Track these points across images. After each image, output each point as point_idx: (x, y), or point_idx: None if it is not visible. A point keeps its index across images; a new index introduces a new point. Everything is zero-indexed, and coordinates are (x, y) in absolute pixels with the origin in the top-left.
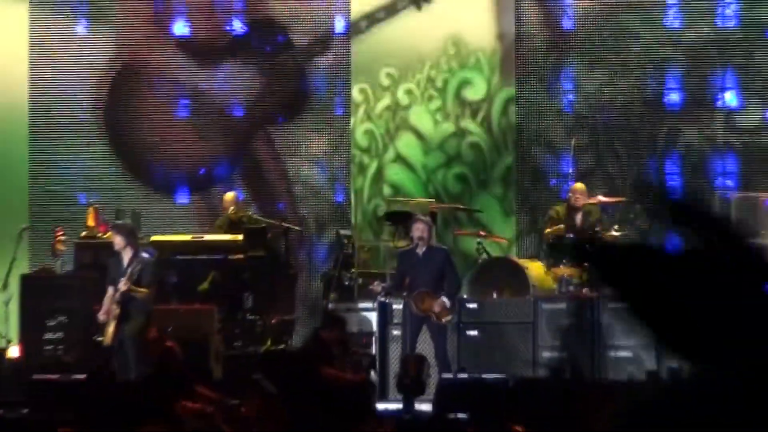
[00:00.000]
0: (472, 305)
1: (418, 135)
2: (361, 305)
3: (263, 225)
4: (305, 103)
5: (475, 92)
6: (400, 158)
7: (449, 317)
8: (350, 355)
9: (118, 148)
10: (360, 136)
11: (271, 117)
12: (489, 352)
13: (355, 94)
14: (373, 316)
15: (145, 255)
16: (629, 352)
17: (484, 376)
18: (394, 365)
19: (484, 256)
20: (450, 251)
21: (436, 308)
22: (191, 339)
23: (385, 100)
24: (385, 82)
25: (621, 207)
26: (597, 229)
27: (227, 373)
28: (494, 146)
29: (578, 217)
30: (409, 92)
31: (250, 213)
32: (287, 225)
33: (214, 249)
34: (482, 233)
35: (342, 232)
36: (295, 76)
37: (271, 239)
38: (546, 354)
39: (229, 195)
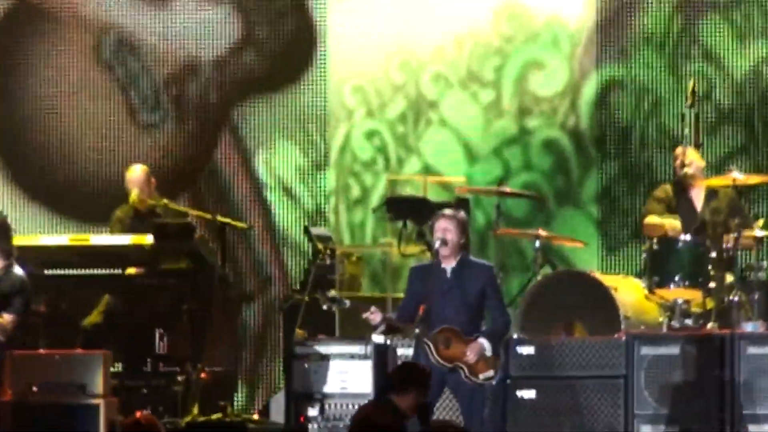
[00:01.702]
0: (527, 350)
1: (458, 137)
2: (346, 348)
3: (187, 219)
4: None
5: (548, 81)
6: (428, 170)
7: (490, 374)
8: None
9: None
10: (359, 143)
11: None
12: (554, 425)
13: (347, 96)
14: (365, 367)
15: (18, 271)
16: None
17: None
18: None
19: (546, 269)
20: (496, 269)
21: (470, 357)
22: (70, 402)
23: (399, 101)
24: (396, 76)
25: None
26: (731, 222)
27: None
28: (581, 150)
29: (696, 200)
30: (438, 78)
31: (165, 201)
32: (225, 220)
33: (107, 258)
34: (543, 232)
35: (315, 231)
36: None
37: (199, 242)
38: (646, 427)
39: (135, 169)
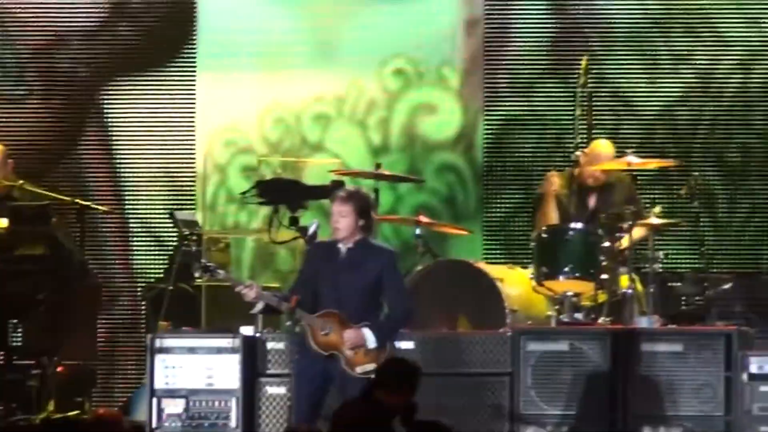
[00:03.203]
0: (405, 344)
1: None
2: (212, 341)
3: (44, 202)
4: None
5: (441, 123)
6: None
7: (369, 367)
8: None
9: None
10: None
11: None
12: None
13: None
14: (232, 361)
15: None
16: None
17: None
18: None
19: (427, 258)
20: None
21: (347, 344)
22: None
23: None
24: (272, 134)
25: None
26: (625, 211)
27: None
28: (478, 180)
29: (591, 197)
30: (319, 119)
31: (22, 182)
32: (85, 203)
33: None
34: (423, 218)
35: (180, 216)
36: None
37: (57, 226)
38: (532, 429)
39: None
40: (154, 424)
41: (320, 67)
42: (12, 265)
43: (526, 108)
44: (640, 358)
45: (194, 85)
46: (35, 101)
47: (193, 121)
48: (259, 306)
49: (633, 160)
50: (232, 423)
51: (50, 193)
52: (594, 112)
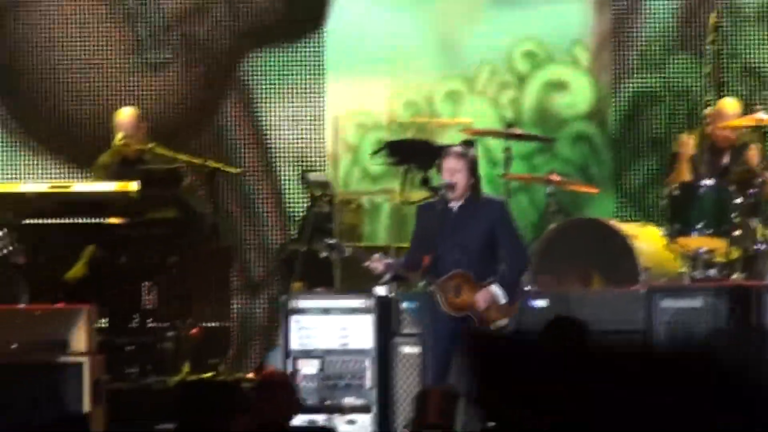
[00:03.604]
0: (539, 302)
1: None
2: (346, 301)
3: (175, 165)
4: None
5: (573, 99)
6: None
7: (503, 322)
8: None
9: None
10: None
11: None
12: None
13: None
14: (366, 321)
15: None
16: None
17: None
18: (404, 405)
19: (560, 216)
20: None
21: (481, 304)
22: (50, 362)
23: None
24: (403, 115)
25: None
26: (756, 168)
27: (114, 419)
28: (614, 150)
29: (723, 152)
30: (452, 95)
31: (152, 145)
32: (217, 165)
33: (91, 207)
34: (556, 177)
35: (312, 177)
36: None
37: (188, 189)
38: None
39: (124, 112)
40: None
41: (447, 63)
42: (143, 228)
43: (657, 82)
44: None
45: (323, 72)
46: (176, 67)
47: (322, 104)
48: (387, 276)
49: (763, 117)
50: (367, 383)
51: (181, 156)
52: (724, 88)
